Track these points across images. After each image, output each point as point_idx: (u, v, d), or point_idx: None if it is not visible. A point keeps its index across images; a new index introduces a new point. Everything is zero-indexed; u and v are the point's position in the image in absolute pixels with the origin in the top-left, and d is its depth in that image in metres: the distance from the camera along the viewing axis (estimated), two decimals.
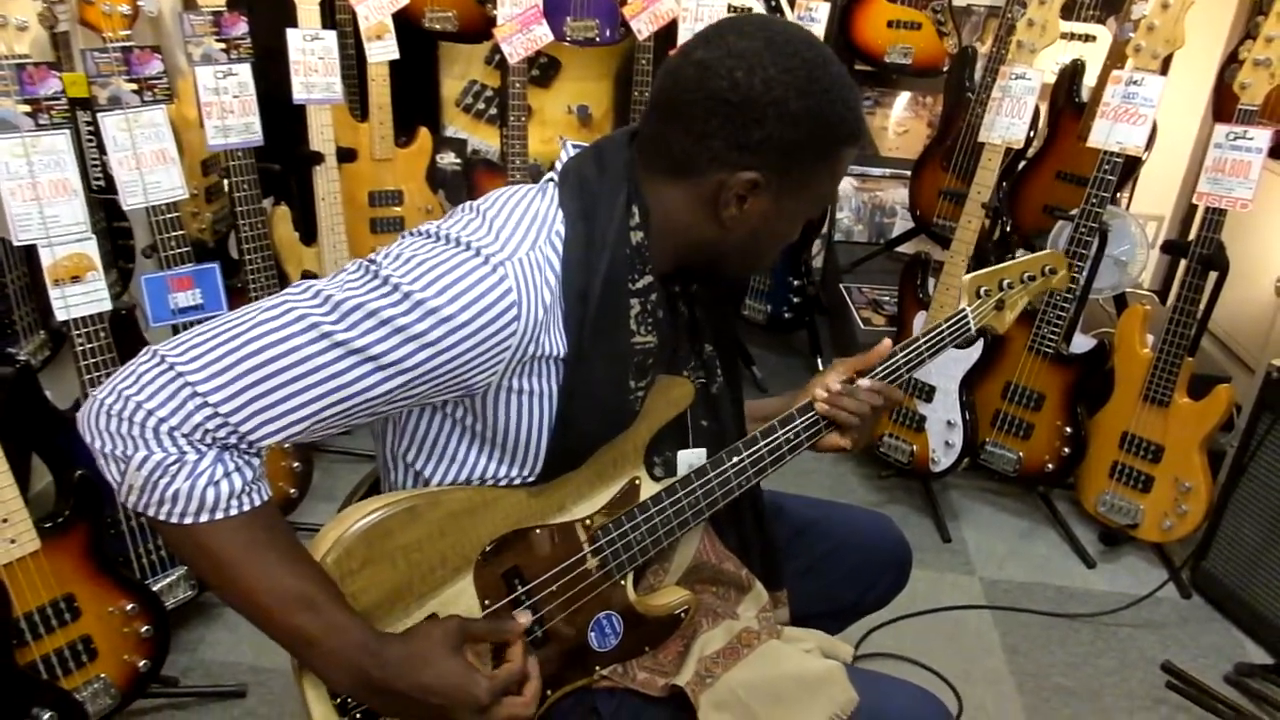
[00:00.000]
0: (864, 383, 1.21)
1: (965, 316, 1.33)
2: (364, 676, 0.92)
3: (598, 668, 1.13)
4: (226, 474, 0.88)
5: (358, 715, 0.99)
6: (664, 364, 1.10)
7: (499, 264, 0.92)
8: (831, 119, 0.98)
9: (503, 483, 1.05)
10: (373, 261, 0.92)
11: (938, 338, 1.29)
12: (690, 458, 1.16)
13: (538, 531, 1.06)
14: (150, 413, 0.85)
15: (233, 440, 0.88)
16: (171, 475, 0.86)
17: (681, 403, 1.14)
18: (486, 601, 1.04)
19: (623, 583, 1.12)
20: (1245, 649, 2.19)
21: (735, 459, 1.14)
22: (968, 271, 2.40)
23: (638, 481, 1.11)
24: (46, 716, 1.48)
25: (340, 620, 0.91)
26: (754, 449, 1.15)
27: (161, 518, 0.88)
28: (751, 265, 1.12)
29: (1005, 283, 1.37)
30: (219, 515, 0.88)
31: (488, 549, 1.03)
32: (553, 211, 1.00)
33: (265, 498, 0.93)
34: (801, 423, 1.19)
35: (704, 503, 1.13)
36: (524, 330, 0.93)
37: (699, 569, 1.22)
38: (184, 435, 0.86)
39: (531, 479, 1.05)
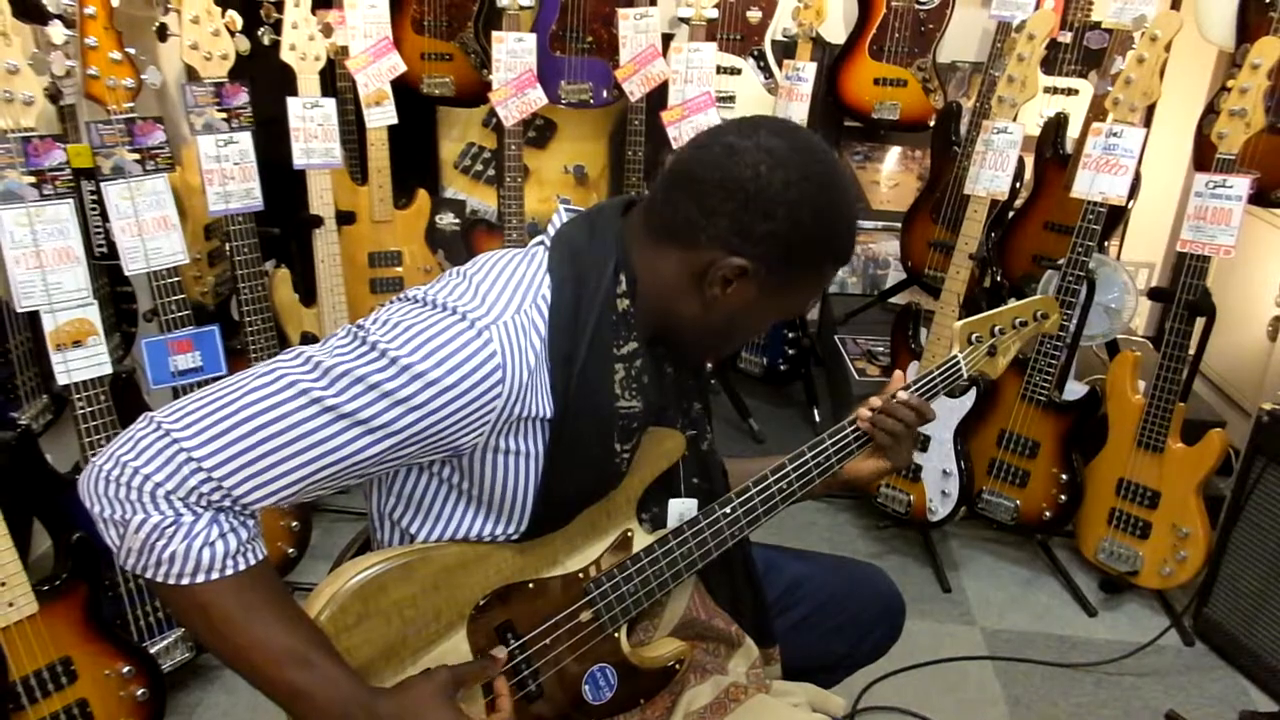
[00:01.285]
0: (902, 394, 1.24)
1: (957, 363, 1.34)
2: None
3: (590, 719, 1.13)
4: (221, 535, 0.91)
5: None
6: (649, 425, 1.11)
7: (484, 328, 0.94)
8: (832, 234, 1.04)
9: (487, 539, 1.07)
10: (360, 328, 0.95)
11: (930, 384, 1.31)
12: (680, 508, 1.18)
13: (530, 586, 1.07)
14: (147, 477, 0.88)
15: (225, 503, 0.91)
16: (168, 537, 0.89)
17: (674, 454, 1.16)
18: (479, 656, 1.05)
19: (616, 635, 1.13)
20: (1250, 696, 2.17)
21: (727, 507, 1.15)
22: (958, 319, 2.44)
23: (630, 534, 1.13)
24: None
25: (333, 675, 0.92)
26: (745, 495, 1.17)
27: (159, 579, 0.91)
28: (712, 349, 1.15)
29: (997, 329, 1.38)
30: (214, 575, 0.91)
31: (481, 603, 1.04)
32: (540, 276, 1.02)
33: (260, 557, 0.95)
34: (794, 470, 1.20)
35: (697, 553, 1.14)
36: (508, 393, 0.95)
37: (689, 625, 1.23)
38: (180, 499, 0.89)
39: (517, 537, 1.06)
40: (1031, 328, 1.42)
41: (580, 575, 1.10)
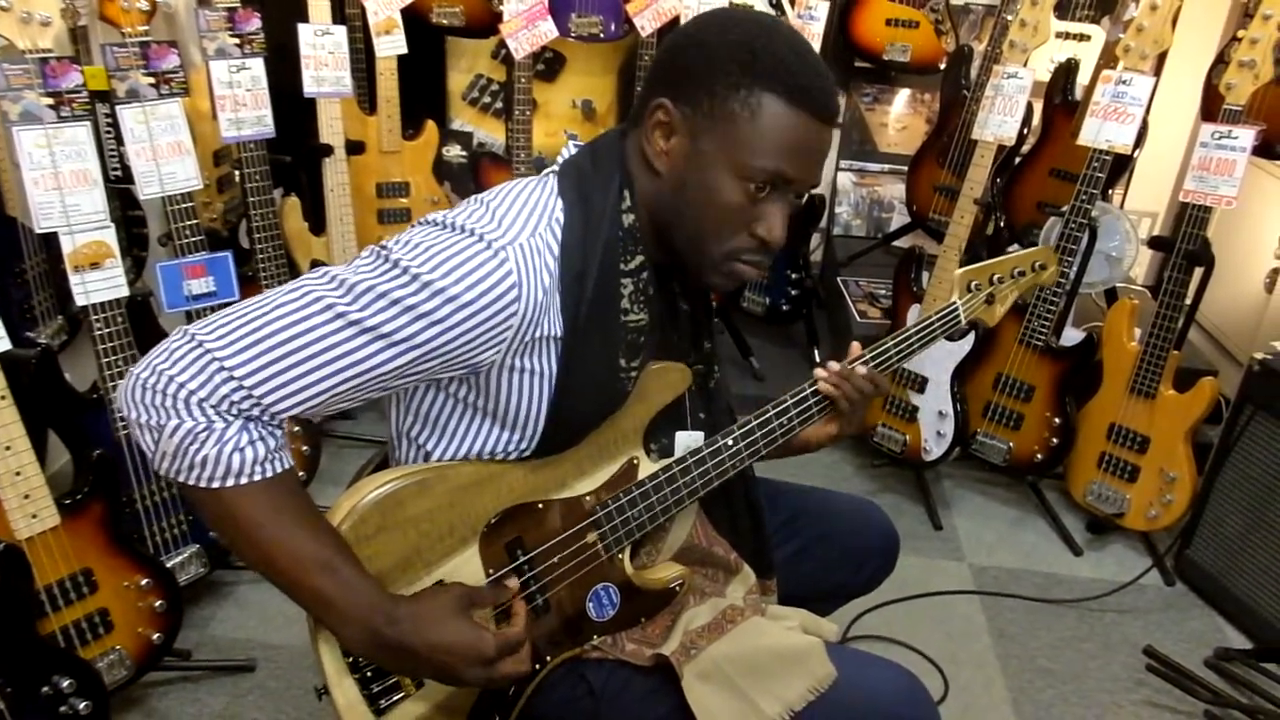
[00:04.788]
0: (860, 368, 1.26)
1: (955, 310, 1.38)
2: (376, 634, 0.98)
3: (595, 636, 1.19)
4: (250, 442, 0.95)
5: (368, 673, 1.06)
6: (655, 345, 1.15)
7: (501, 249, 0.98)
8: (754, 57, 1.00)
9: (499, 456, 1.11)
10: (384, 248, 0.99)
11: (928, 329, 1.35)
12: (687, 439, 1.22)
13: (540, 506, 1.12)
14: (182, 385, 0.92)
15: (255, 411, 0.95)
16: (200, 442, 0.93)
17: (678, 386, 1.19)
18: (490, 570, 1.10)
19: (620, 556, 1.18)
20: (1226, 634, 2.25)
21: (730, 439, 1.19)
22: (960, 266, 2.46)
23: (636, 461, 1.17)
24: (66, 684, 1.54)
25: (355, 582, 0.97)
26: (747, 428, 1.21)
27: (191, 482, 0.95)
28: (695, 234, 1.07)
29: (996, 277, 1.43)
30: (244, 480, 0.95)
31: (493, 521, 1.09)
32: (552, 200, 1.06)
33: (287, 466, 1.00)
34: (794, 403, 1.24)
35: (699, 482, 1.18)
36: (524, 312, 0.99)
37: (689, 551, 1.28)
38: (212, 406, 0.93)
39: (529, 453, 1.11)
40: (1029, 278, 1.46)
41: (587, 498, 1.14)
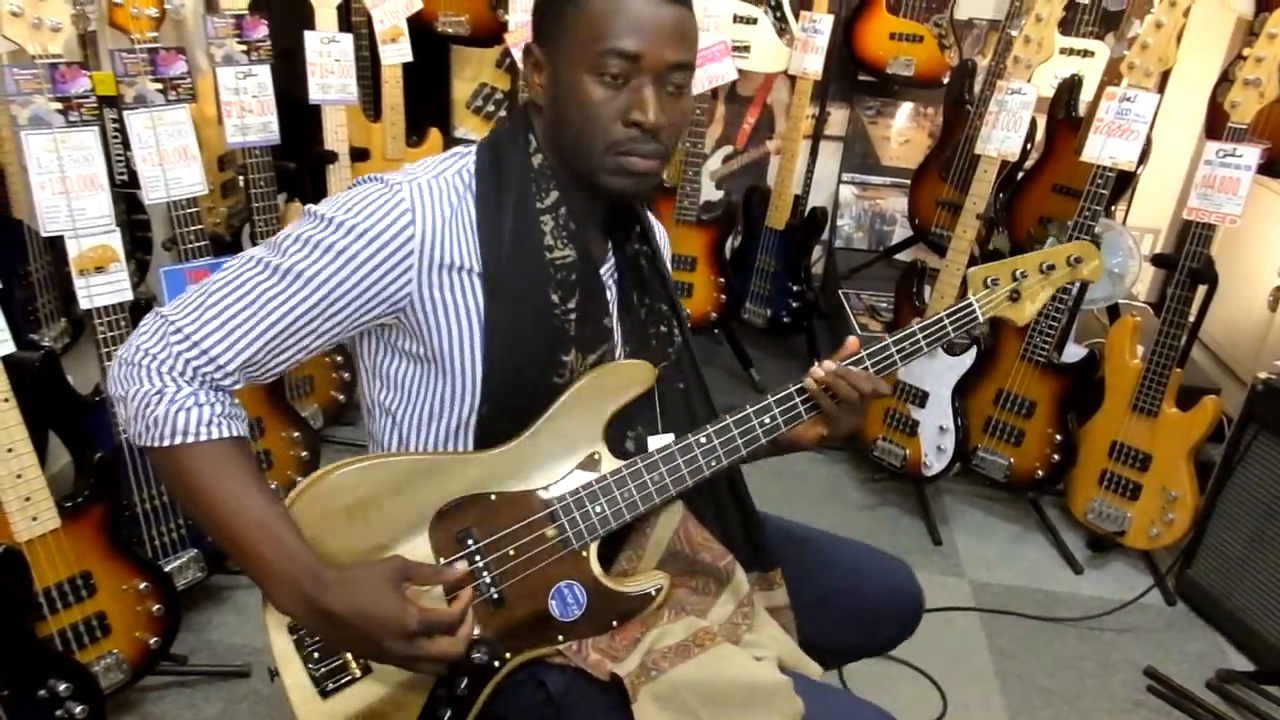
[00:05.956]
0: (856, 369, 1.21)
1: (971, 307, 1.27)
2: (305, 598, 1.00)
3: (560, 638, 1.14)
4: (198, 405, 1.03)
5: (314, 654, 1.08)
6: (592, 285, 1.16)
7: (398, 185, 1.08)
8: None
9: (451, 417, 1.14)
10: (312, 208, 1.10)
11: (938, 327, 1.25)
12: (659, 443, 1.19)
13: (493, 497, 1.12)
14: (146, 351, 1.04)
15: (207, 367, 1.04)
16: (154, 404, 1.02)
17: (641, 383, 1.17)
18: (441, 558, 1.10)
19: (584, 554, 1.14)
20: (1227, 656, 2.24)
21: (702, 436, 1.17)
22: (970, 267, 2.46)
23: (597, 456, 1.15)
24: (62, 688, 1.54)
25: (291, 545, 1.02)
26: (722, 427, 1.17)
27: (147, 442, 1.03)
28: (578, 143, 1.11)
29: (1019, 272, 1.29)
30: (189, 439, 1.03)
31: (443, 509, 1.10)
32: (466, 157, 1.15)
33: (236, 433, 1.06)
34: (777, 404, 1.20)
35: (669, 479, 1.15)
36: (421, 234, 1.07)
37: (675, 557, 1.23)
38: (168, 370, 1.04)
39: (477, 406, 1.13)
40: (1065, 273, 1.32)
41: (543, 491, 1.13)
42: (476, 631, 1.09)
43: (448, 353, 1.11)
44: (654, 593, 1.18)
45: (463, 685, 1.10)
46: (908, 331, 1.25)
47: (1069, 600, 2.38)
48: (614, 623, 1.16)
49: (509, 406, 1.13)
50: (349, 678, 1.09)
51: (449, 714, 1.11)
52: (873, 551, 1.46)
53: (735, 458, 1.19)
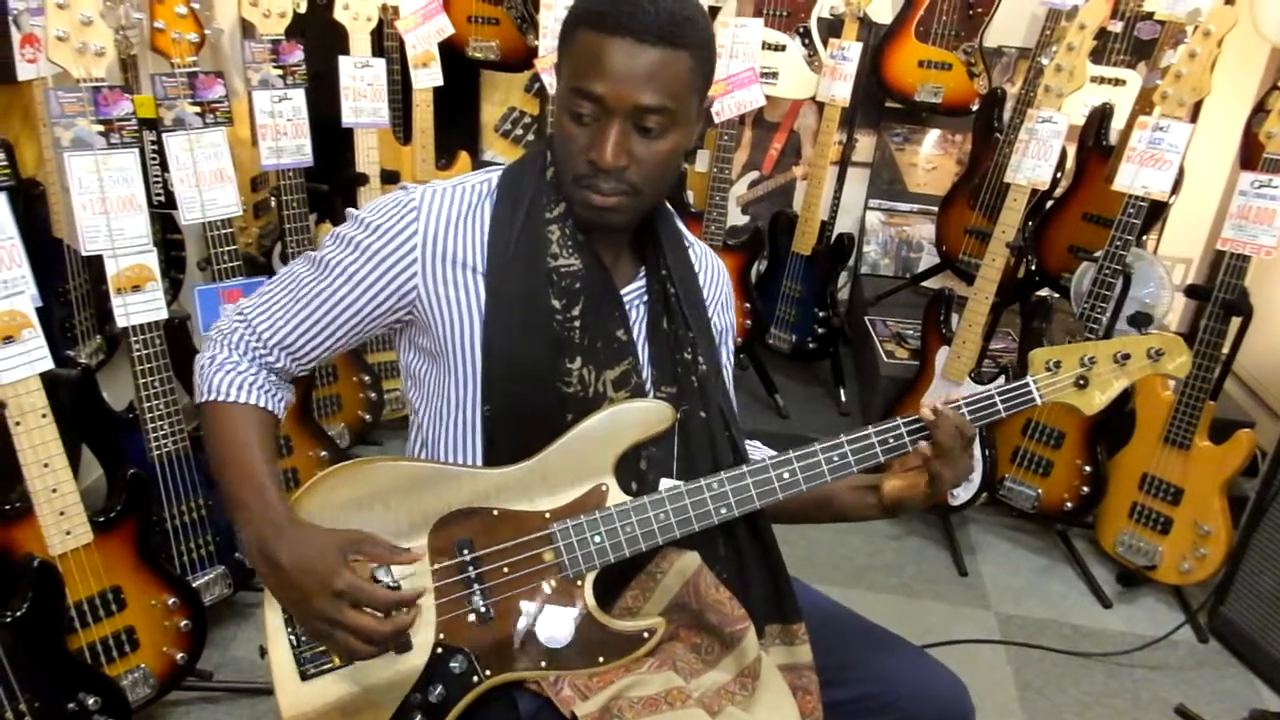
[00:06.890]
0: (942, 406, 1.17)
1: (1028, 388, 1.22)
2: (262, 543, 1.05)
3: (544, 664, 1.13)
4: (239, 372, 1.16)
5: (301, 637, 1.11)
6: (599, 296, 1.18)
7: (414, 189, 1.18)
8: (573, 8, 1.13)
9: (458, 408, 1.18)
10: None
11: (987, 405, 1.20)
12: (670, 484, 1.17)
13: (496, 512, 1.13)
14: (218, 326, 1.22)
15: (250, 336, 1.18)
16: (207, 365, 1.18)
17: (657, 425, 1.16)
18: (436, 561, 1.12)
19: (579, 584, 1.14)
20: (1261, 696, 2.19)
21: (714, 480, 1.15)
22: (990, 309, 2.45)
23: (604, 488, 1.15)
24: (91, 701, 1.55)
25: (268, 496, 1.08)
26: (734, 473, 1.16)
27: (195, 397, 1.19)
28: (557, 170, 1.18)
29: (1088, 358, 1.23)
30: (220, 398, 1.15)
31: (445, 515, 1.12)
32: (494, 173, 1.22)
33: (262, 404, 1.17)
34: (799, 456, 1.17)
35: (674, 519, 1.14)
36: (424, 227, 1.15)
37: (682, 609, 1.20)
38: (228, 342, 1.19)
39: (480, 400, 1.16)
40: (1142, 364, 1.24)
41: (546, 514, 1.14)
42: (442, 637, 1.11)
43: (452, 346, 1.17)
44: (646, 635, 1.16)
45: (438, 692, 1.11)
46: (953, 405, 1.20)
47: (1097, 635, 2.34)
48: (600, 658, 1.14)
49: (514, 409, 1.16)
50: (329, 665, 1.11)
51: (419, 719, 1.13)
52: (915, 651, 1.33)
53: (749, 508, 1.17)
